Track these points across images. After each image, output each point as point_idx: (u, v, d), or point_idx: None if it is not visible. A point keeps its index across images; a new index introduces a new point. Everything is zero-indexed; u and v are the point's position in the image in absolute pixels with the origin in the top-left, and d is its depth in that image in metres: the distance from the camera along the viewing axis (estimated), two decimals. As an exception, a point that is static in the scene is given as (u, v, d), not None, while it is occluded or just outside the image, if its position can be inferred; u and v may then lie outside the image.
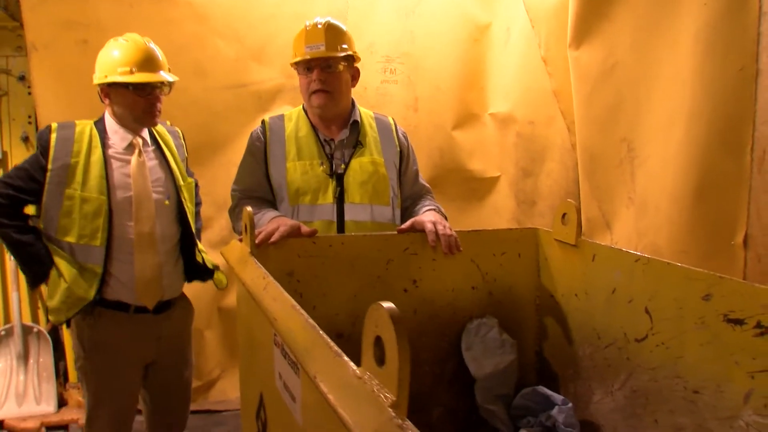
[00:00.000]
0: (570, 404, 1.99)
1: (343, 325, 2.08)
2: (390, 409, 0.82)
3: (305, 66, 2.43)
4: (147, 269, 2.46)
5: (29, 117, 4.20)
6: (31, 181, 2.41)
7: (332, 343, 1.06)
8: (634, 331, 1.80)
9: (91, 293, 2.41)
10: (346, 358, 1.01)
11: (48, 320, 4.17)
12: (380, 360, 0.88)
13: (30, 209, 2.50)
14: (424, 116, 4.18)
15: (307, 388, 1.21)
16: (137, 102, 2.46)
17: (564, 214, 2.09)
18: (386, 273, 2.12)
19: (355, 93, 4.02)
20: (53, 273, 2.44)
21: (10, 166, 4.05)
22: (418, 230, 2.17)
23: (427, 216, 2.24)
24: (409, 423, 0.79)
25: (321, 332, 1.13)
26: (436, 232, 2.14)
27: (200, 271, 2.68)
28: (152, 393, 2.69)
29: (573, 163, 3.62)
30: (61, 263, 2.41)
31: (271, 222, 2.11)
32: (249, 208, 1.94)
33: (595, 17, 2.56)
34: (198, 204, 2.84)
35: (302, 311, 1.26)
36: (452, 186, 4.22)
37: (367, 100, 4.10)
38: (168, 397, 2.72)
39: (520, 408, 2.08)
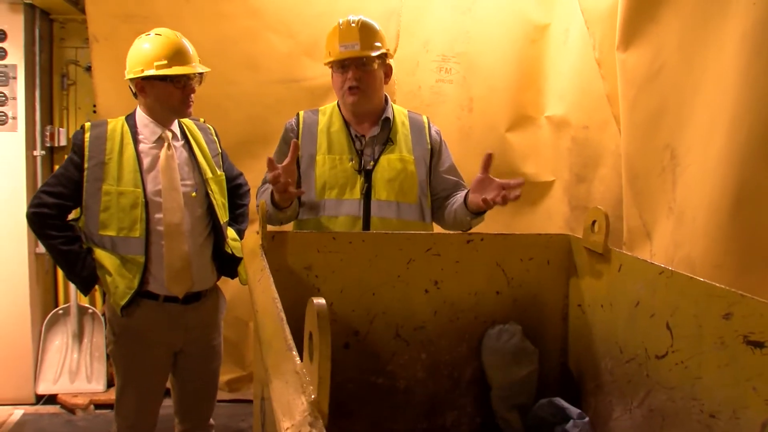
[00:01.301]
0: (586, 419, 1.92)
1: (360, 322, 2.06)
2: (309, 405, 0.80)
3: (340, 65, 2.44)
4: (176, 259, 2.53)
5: (93, 106, 4.35)
6: (71, 183, 2.52)
7: (289, 337, 1.04)
8: (654, 348, 1.72)
9: (135, 282, 2.50)
10: (294, 352, 0.99)
11: (104, 302, 4.33)
12: (312, 356, 0.86)
13: (73, 213, 2.60)
14: (479, 117, 4.11)
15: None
16: (174, 94, 2.54)
17: (594, 222, 2.01)
18: (407, 273, 2.09)
19: (410, 92, 4.05)
20: (99, 271, 2.53)
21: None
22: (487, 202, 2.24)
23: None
24: (320, 423, 0.76)
25: (285, 325, 1.11)
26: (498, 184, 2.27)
27: (229, 262, 2.71)
28: (179, 380, 2.77)
29: (624, 169, 3.49)
30: (104, 257, 2.51)
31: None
32: (263, 201, 1.95)
33: (642, 19, 2.46)
34: (244, 205, 2.89)
35: (278, 304, 1.24)
36: (505, 189, 4.13)
37: (422, 99, 4.07)
38: (194, 385, 2.78)
39: (536, 419, 2.02)
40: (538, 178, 4.16)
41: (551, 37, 4.02)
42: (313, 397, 0.80)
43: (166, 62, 2.50)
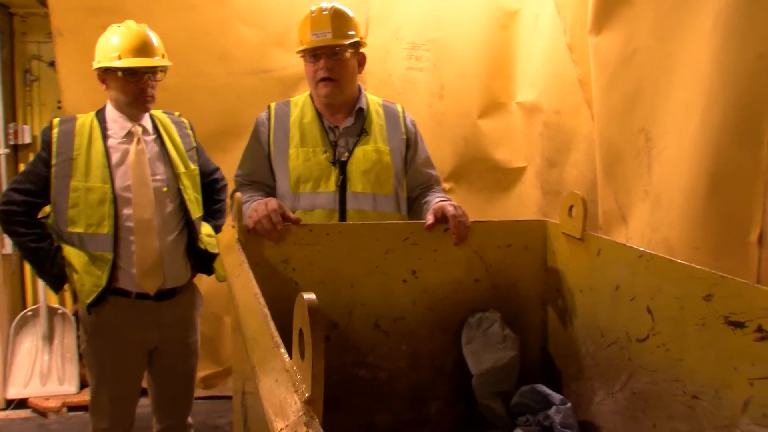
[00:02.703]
0: (569, 404, 1.93)
1: (339, 314, 2.04)
2: (303, 405, 0.77)
3: (311, 54, 2.39)
4: (147, 256, 2.50)
5: (58, 102, 4.25)
6: (39, 180, 2.48)
7: (275, 334, 1.02)
8: (636, 331, 1.73)
9: (103, 280, 2.46)
10: (282, 349, 0.96)
11: (74, 302, 4.26)
12: (303, 354, 0.83)
13: (45, 210, 2.56)
14: (450, 104, 4.09)
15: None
16: (127, 87, 2.51)
17: (571, 207, 2.01)
18: (385, 263, 2.07)
19: (381, 79, 4.02)
20: (67, 269, 2.50)
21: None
22: (442, 218, 2.10)
23: (446, 203, 2.17)
24: (316, 422, 0.74)
25: (270, 321, 1.09)
26: (457, 218, 2.08)
27: (204, 259, 2.68)
28: (155, 378, 2.74)
29: (597, 153, 3.50)
30: (72, 255, 2.47)
31: (250, 211, 2.04)
32: (239, 194, 1.92)
33: (615, 2, 2.45)
34: (220, 201, 2.86)
35: (260, 300, 1.22)
36: (477, 176, 4.14)
37: (393, 87, 4.04)
38: (171, 383, 2.76)
39: (518, 406, 2.01)
40: (511, 164, 4.16)
41: (521, 22, 4.01)
42: (306, 395, 0.77)
43: (118, 54, 2.47)
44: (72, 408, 4.01)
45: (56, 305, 4.27)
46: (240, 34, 3.81)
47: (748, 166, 1.85)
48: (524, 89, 4.03)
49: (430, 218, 2.11)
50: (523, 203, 4.13)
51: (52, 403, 3.98)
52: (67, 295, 4.30)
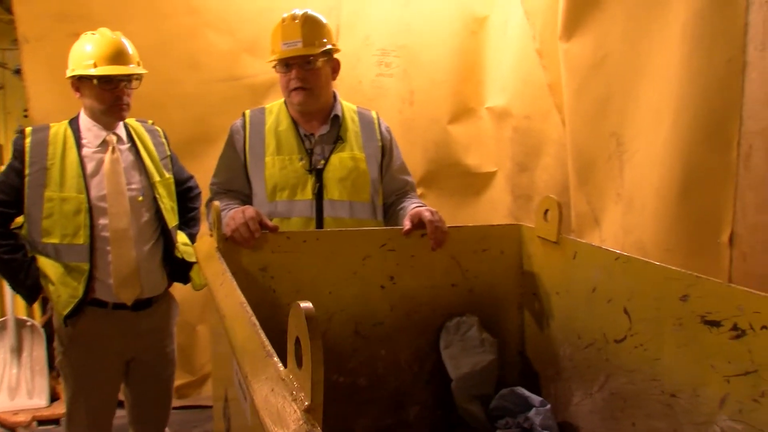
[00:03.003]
0: (548, 406, 1.95)
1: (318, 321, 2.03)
2: (303, 414, 0.78)
3: (283, 63, 2.37)
4: (123, 265, 2.47)
5: (24, 110, 4.17)
6: (12, 190, 2.43)
7: (267, 342, 1.02)
8: (613, 332, 1.75)
9: (80, 291, 2.42)
10: (275, 358, 0.96)
11: (43, 314, 4.19)
12: (300, 362, 0.84)
13: (17, 221, 2.51)
14: (420, 110, 4.12)
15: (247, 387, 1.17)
16: (103, 95, 2.47)
17: (546, 210, 2.03)
18: (363, 269, 2.07)
19: (351, 86, 4.02)
20: (42, 280, 2.45)
21: (6, 159, 4.03)
22: (419, 223, 2.11)
23: (422, 208, 2.18)
24: (318, 430, 0.74)
25: (259, 331, 1.08)
26: (434, 224, 2.09)
27: (180, 268, 2.65)
28: (132, 389, 2.70)
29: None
30: (47, 266, 2.43)
31: (227, 219, 2.02)
32: (217, 203, 1.90)
33: (585, 8, 2.50)
34: (195, 209, 2.83)
35: (247, 309, 1.21)
36: (448, 181, 4.17)
37: (363, 94, 4.05)
38: (148, 394, 2.72)
39: (498, 409, 2.03)
40: (481, 169, 4.20)
41: (491, 28, 4.05)
42: (306, 404, 0.78)
43: (93, 62, 2.44)
44: (42, 422, 3.93)
45: (25, 317, 4.19)
46: (210, 42, 3.80)
47: (719, 168, 1.89)
48: (494, 94, 4.07)
49: (407, 224, 2.11)
50: (494, 207, 4.17)
51: (22, 418, 3.90)
52: (36, 307, 4.22)
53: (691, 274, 1.50)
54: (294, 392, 0.83)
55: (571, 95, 2.68)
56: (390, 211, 2.52)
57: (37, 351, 4.14)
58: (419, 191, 4.08)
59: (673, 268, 1.55)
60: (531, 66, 3.68)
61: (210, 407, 3.89)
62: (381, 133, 2.53)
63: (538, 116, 3.81)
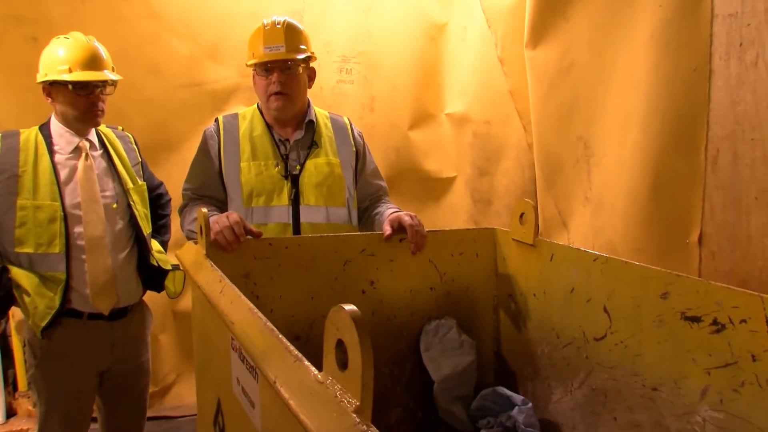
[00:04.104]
0: (530, 404, 1.99)
1: (301, 327, 2.05)
2: (354, 415, 0.80)
3: (264, 68, 2.37)
4: (100, 274, 2.41)
5: (-22, 116, 4.05)
6: None
7: (292, 347, 1.04)
8: (592, 330, 1.81)
9: (57, 301, 2.36)
10: (307, 362, 0.98)
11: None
12: (343, 364, 0.86)
13: None
14: (381, 116, 4.16)
15: (266, 393, 1.18)
16: (78, 101, 2.41)
17: (522, 214, 2.09)
18: (344, 274, 2.09)
19: (312, 93, 3.98)
20: (15, 291, 2.38)
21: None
22: (399, 228, 2.14)
23: (401, 213, 2.21)
24: (374, 429, 0.76)
25: (280, 336, 1.10)
26: (414, 228, 2.12)
27: (155, 275, 2.62)
28: (106, 400, 2.64)
29: (529, 162, 3.64)
30: (21, 276, 2.36)
31: (211, 224, 2.00)
32: (204, 210, 1.89)
33: (551, 17, 2.57)
34: (166, 216, 2.80)
35: (260, 315, 1.22)
36: (408, 186, 4.22)
37: (324, 100, 4.07)
38: (123, 405, 2.66)
39: (479, 409, 2.07)
40: (441, 174, 4.26)
41: (450, 35, 4.12)
42: (356, 404, 0.80)
43: (67, 67, 2.38)
44: (-2, 439, 3.82)
45: (-24, 331, 4.05)
46: (171, 47, 3.75)
47: (687, 171, 1.98)
48: (453, 100, 4.13)
49: (387, 229, 2.14)
50: (454, 212, 4.24)
51: (-23, 435, 3.78)
52: (-9, 320, 4.09)
53: (670, 273, 1.56)
54: (338, 394, 0.85)
55: (537, 101, 2.75)
56: (365, 216, 2.54)
57: (-9, 365, 4.00)
58: (381, 197, 4.12)
59: (653, 267, 1.62)
60: (491, 72, 3.76)
61: (175, 418, 3.92)
62: (354, 138, 2.56)
63: (497, 121, 3.89)
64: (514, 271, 2.17)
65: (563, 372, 1.93)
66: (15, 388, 3.98)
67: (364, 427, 0.76)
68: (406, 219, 2.14)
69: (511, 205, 3.74)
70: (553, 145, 2.66)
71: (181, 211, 2.45)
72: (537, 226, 2.03)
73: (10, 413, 3.95)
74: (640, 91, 2.12)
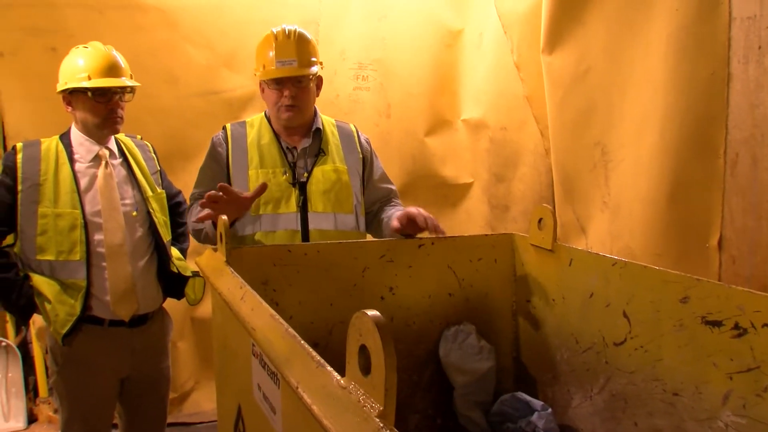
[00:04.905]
0: (549, 410, 1.99)
1: (320, 333, 2.05)
2: (377, 419, 0.80)
3: (275, 81, 2.39)
4: (120, 281, 2.45)
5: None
6: (3, 207, 2.39)
7: (314, 353, 1.04)
8: (612, 335, 1.80)
9: (77, 308, 2.39)
10: (329, 368, 0.99)
11: (17, 333, 4.10)
12: (365, 369, 0.86)
13: (8, 239, 2.46)
14: (397, 123, 4.18)
15: (288, 399, 1.19)
16: (97, 108, 2.45)
17: (540, 219, 2.08)
18: (362, 280, 2.10)
19: (328, 100, 4.06)
20: (37, 299, 2.41)
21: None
22: (408, 222, 2.16)
23: (409, 208, 2.23)
24: (397, 433, 0.77)
25: (302, 342, 1.11)
26: (423, 215, 2.14)
27: (175, 282, 2.65)
28: (127, 407, 2.67)
29: (545, 167, 3.64)
30: (42, 284, 2.39)
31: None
32: (224, 217, 1.90)
33: (568, 22, 2.57)
34: (184, 224, 2.83)
35: (281, 321, 1.23)
36: (425, 192, 4.23)
37: (340, 108, 4.09)
38: (143, 412, 2.68)
39: (499, 414, 2.07)
40: (457, 181, 4.27)
41: (465, 41, 4.13)
42: (380, 409, 0.80)
43: (87, 75, 2.42)
44: (19, 445, 3.86)
45: (-1, 338, 4.10)
46: (188, 56, 3.79)
47: (706, 175, 1.97)
48: (469, 107, 4.14)
49: (395, 223, 2.18)
50: (471, 218, 4.24)
51: (-2, 441, 3.83)
52: (9, 327, 4.13)
53: (690, 277, 1.56)
54: (361, 399, 0.85)
55: (554, 107, 2.75)
56: (374, 221, 2.56)
57: (13, 372, 4.04)
58: (397, 203, 4.13)
59: (672, 271, 1.60)
60: (507, 78, 3.76)
61: (193, 424, 3.94)
62: (361, 144, 2.58)
63: (514, 127, 3.89)
64: (532, 276, 2.17)
65: (583, 377, 1.93)
66: (36, 394, 4.02)
67: (388, 431, 0.77)
68: (413, 211, 2.16)
69: (528, 211, 3.75)
70: (570, 150, 2.65)
71: (188, 213, 2.48)
72: (555, 231, 2.03)
73: (31, 419, 4.00)
74: (657, 95, 2.12)
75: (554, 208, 2.89)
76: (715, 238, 1.99)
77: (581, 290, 1.91)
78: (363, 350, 0.87)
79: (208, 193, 2.04)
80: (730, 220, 1.95)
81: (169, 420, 3.88)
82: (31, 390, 4.04)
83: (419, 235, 2.20)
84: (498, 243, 2.26)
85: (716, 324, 1.50)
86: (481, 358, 2.13)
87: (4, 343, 4.06)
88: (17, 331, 4.08)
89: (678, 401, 1.59)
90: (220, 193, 2.03)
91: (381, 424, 0.79)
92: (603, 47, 2.41)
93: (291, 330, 1.18)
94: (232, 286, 1.63)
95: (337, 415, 0.86)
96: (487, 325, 2.22)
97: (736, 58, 1.92)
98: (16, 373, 4.02)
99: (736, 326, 1.45)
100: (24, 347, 4.07)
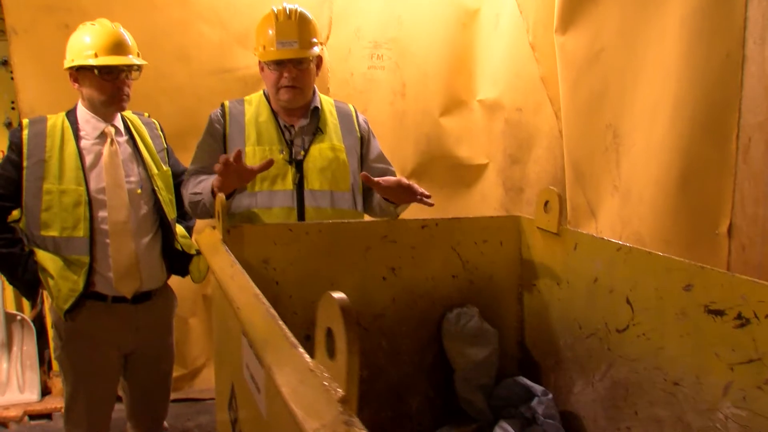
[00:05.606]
0: (550, 395, 1.97)
1: (320, 313, 2.03)
2: (339, 404, 0.78)
3: (276, 61, 2.37)
4: (123, 258, 2.46)
5: (12, 102, 4.14)
6: (9, 183, 2.41)
7: (289, 334, 1.02)
8: (615, 322, 1.77)
9: (80, 284, 2.41)
10: (301, 349, 0.97)
11: (32, 308, 4.15)
12: (332, 352, 0.84)
13: (14, 214, 2.48)
14: (412, 102, 4.14)
15: (268, 379, 1.17)
16: (104, 86, 2.45)
17: (546, 202, 2.05)
18: (364, 260, 2.08)
19: (343, 79, 4.03)
20: (41, 274, 2.43)
21: (-6, 151, 4.00)
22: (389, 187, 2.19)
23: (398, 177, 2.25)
24: (356, 420, 0.74)
25: (280, 322, 1.09)
26: (412, 185, 2.18)
27: (180, 260, 2.65)
28: (131, 382, 2.69)
29: (561, 150, 3.57)
30: (46, 259, 2.41)
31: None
32: (222, 195, 1.89)
33: (581, 2, 2.52)
34: None
35: (264, 300, 1.21)
36: (439, 173, 4.20)
37: (355, 86, 4.06)
38: (147, 387, 2.71)
39: (500, 398, 2.05)
40: (472, 161, 4.23)
41: (482, 21, 4.07)
42: (342, 394, 0.78)
43: (94, 53, 2.42)
44: (33, 416, 3.90)
45: (14, 311, 4.15)
46: (201, 34, 3.77)
47: (718, 161, 1.92)
48: (485, 87, 4.09)
49: (377, 180, 2.19)
50: (485, 200, 4.20)
51: (13, 413, 3.87)
52: (24, 300, 4.18)
53: (694, 264, 1.52)
54: (326, 383, 0.83)
55: (567, 88, 2.70)
56: (369, 199, 2.55)
57: (27, 345, 4.10)
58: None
59: (676, 258, 1.57)
60: (523, 59, 3.70)
61: (203, 400, 3.97)
62: (359, 124, 2.58)
63: (530, 109, 3.83)
64: (538, 260, 2.13)
65: (585, 363, 1.90)
66: (50, 367, 4.07)
67: (347, 417, 0.74)
68: (401, 180, 2.19)
69: (542, 194, 3.70)
70: (582, 132, 2.60)
71: (183, 187, 2.48)
72: (561, 214, 1.99)
73: (45, 392, 4.06)
74: (670, 77, 2.06)
75: (565, 191, 2.84)
76: (725, 225, 1.93)
77: (586, 275, 1.88)
78: (330, 333, 0.85)
79: (223, 156, 2.05)
80: (741, 207, 1.89)
81: (180, 396, 3.94)
82: (45, 363, 4.10)
83: (423, 217, 2.17)
84: (504, 225, 2.22)
85: (719, 313, 1.46)
86: (483, 341, 2.10)
87: (19, 317, 4.12)
88: (33, 306, 4.13)
89: (679, 391, 1.56)
90: (231, 160, 2.04)
91: (341, 410, 0.77)
92: (617, 28, 2.35)
93: (272, 310, 1.16)
94: (225, 264, 1.62)
95: (303, 397, 0.84)
96: (492, 308, 2.20)
97: (752, 39, 1.85)
98: (31, 346, 4.08)
99: (739, 316, 1.41)
100: (39, 321, 4.13)
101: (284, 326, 1.06)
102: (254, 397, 1.34)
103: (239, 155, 2.05)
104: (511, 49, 3.82)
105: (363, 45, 4.06)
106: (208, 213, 2.27)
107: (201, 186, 2.32)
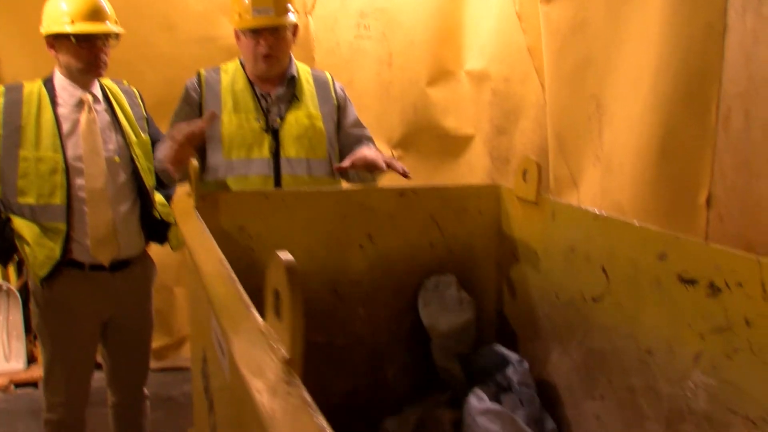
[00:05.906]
0: (525, 364, 1.96)
1: (296, 281, 2.02)
2: (282, 366, 0.77)
3: (252, 30, 2.36)
4: (101, 226, 2.44)
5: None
6: None
7: (246, 297, 1.01)
8: (591, 291, 1.76)
9: (57, 252, 2.40)
10: (254, 311, 0.96)
11: (19, 277, 4.13)
12: (279, 314, 0.83)
13: None
14: (398, 72, 4.12)
15: (225, 341, 1.17)
16: (81, 53, 2.42)
17: (525, 171, 2.03)
18: (341, 228, 2.07)
19: (328, 49, 3.99)
20: (17, 241, 2.42)
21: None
22: (358, 164, 2.20)
23: (368, 149, 2.27)
24: (298, 381, 0.73)
25: (238, 286, 1.08)
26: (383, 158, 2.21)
27: (158, 228, 2.64)
28: (110, 351, 2.69)
29: (546, 120, 3.57)
30: (22, 227, 2.39)
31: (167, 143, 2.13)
32: (195, 162, 1.87)
33: (565, -30, 2.48)
34: None
35: (227, 266, 1.20)
36: (426, 143, 4.18)
37: (341, 56, 4.04)
38: (126, 355, 2.71)
39: (476, 366, 2.05)
40: (459, 132, 4.21)
41: (469, -10, 4.02)
42: (286, 356, 0.77)
43: (70, 20, 2.38)
44: (19, 385, 3.92)
45: (0, 281, 4.14)
46: (185, 3, 3.76)
47: (697, 131, 1.90)
48: (473, 57, 4.06)
49: (346, 162, 2.21)
50: (472, 170, 4.19)
51: (-1, 381, 3.89)
52: (11, 270, 4.16)
53: (669, 234, 1.50)
54: (273, 344, 0.82)
55: (550, 58, 2.67)
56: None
57: (13, 315, 4.10)
58: (397, 153, 4.10)
59: (651, 227, 1.56)
60: (511, 29, 3.68)
61: (188, 369, 3.96)
62: (336, 92, 2.57)
63: (517, 79, 3.81)
64: (516, 229, 2.12)
65: (562, 332, 1.90)
66: (36, 336, 4.06)
67: (289, 377, 0.73)
68: (370, 153, 2.22)
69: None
70: (566, 102, 2.58)
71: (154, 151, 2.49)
72: (540, 183, 1.97)
73: (31, 360, 4.07)
74: (651, 47, 2.03)
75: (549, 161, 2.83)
76: (704, 195, 1.92)
77: (563, 244, 1.87)
78: (277, 294, 0.83)
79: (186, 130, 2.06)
80: (720, 178, 1.88)
81: (166, 365, 3.95)
82: (31, 332, 4.10)
83: (401, 185, 2.16)
84: (483, 194, 2.21)
85: (691, 282, 1.45)
86: (461, 309, 2.10)
87: (5, 287, 4.11)
88: (19, 275, 4.12)
89: (651, 360, 1.56)
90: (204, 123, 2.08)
91: (284, 371, 0.76)
92: (601, -3, 2.32)
93: (233, 275, 1.15)
94: (194, 229, 1.60)
95: (252, 359, 0.83)
96: (470, 276, 2.19)
97: (733, 8, 1.82)
98: (17, 315, 4.08)
99: (711, 285, 1.40)
100: (25, 291, 4.10)
101: (242, 289, 1.05)
102: (220, 361, 1.33)
103: (213, 115, 2.05)
104: (499, 19, 3.79)
105: (350, 14, 4.03)
106: (170, 179, 2.30)
107: (159, 152, 2.34)
